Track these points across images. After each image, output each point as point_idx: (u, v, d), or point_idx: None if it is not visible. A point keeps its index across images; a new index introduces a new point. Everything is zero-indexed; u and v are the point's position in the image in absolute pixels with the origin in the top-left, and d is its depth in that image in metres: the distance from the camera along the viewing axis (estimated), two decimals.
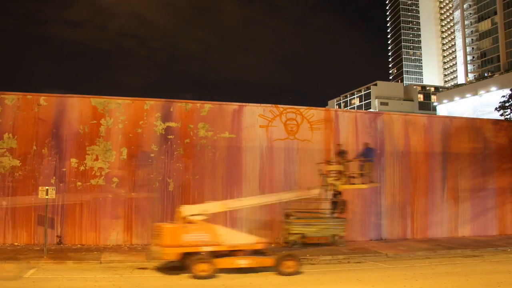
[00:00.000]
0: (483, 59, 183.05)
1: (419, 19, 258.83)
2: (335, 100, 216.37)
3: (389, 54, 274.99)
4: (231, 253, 22.32)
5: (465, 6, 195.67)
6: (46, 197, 25.16)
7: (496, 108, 46.65)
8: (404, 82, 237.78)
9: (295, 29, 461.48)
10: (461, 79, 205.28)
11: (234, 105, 32.95)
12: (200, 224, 22.34)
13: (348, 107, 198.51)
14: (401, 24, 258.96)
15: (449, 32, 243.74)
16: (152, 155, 30.99)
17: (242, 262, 22.13)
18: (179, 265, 21.71)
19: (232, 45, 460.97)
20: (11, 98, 29.72)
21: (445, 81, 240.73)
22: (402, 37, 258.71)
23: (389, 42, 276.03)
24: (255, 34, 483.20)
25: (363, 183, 29.25)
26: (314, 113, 34.27)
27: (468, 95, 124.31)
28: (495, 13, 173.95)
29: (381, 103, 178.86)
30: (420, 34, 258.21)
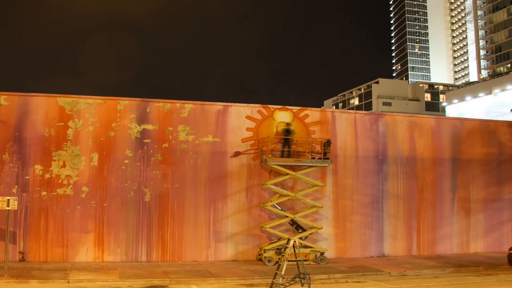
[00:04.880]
0: (498, 53, 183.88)
1: (426, 9, 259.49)
2: (331, 99, 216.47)
3: (393, 48, 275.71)
4: None
5: None
6: (7, 208, 25.23)
7: None
8: (409, 79, 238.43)
9: (286, 19, 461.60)
10: (473, 77, 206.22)
11: (219, 105, 33.12)
12: None
13: (346, 108, 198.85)
14: (406, 15, 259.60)
15: (460, 24, 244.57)
16: (126, 161, 31.14)
17: None
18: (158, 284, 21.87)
19: (221, 39, 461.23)
20: None
21: (455, 79, 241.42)
22: (407, 29, 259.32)
23: (392, 35, 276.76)
24: (245, 26, 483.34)
25: None
26: (309, 114, 34.52)
27: (481, 95, 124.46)
28: (511, 3, 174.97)
29: (384, 103, 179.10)
30: (427, 26, 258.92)
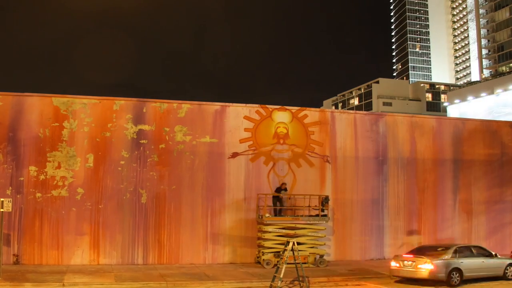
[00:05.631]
0: (500, 53, 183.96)
1: (427, 8, 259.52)
2: (331, 100, 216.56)
3: (393, 47, 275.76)
4: None
5: None
6: (1, 210, 25.21)
7: None
8: (410, 79, 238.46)
9: (284, 17, 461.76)
10: (475, 76, 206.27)
11: (216, 105, 33.14)
12: None
13: (346, 108, 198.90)
14: (407, 13, 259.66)
15: (462, 23, 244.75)
16: (122, 162, 31.14)
17: None
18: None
19: (218, 38, 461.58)
20: None
21: (457, 79, 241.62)
22: (408, 28, 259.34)
23: (392, 33, 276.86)
24: (243, 24, 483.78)
25: None
26: (308, 114, 34.55)
27: (483, 94, 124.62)
28: None
29: (384, 103, 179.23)
30: (428, 25, 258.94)
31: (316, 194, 33.00)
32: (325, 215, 32.40)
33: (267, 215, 31.57)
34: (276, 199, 32.68)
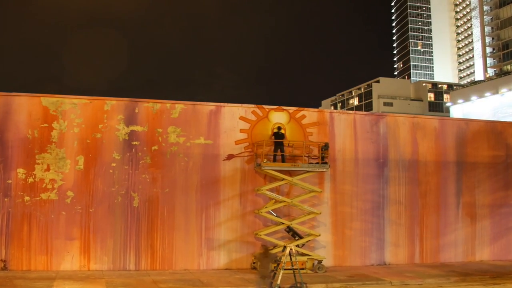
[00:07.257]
0: (505, 51, 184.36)
1: (429, 4, 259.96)
2: (329, 100, 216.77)
3: (394, 45, 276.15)
4: None
5: None
6: None
7: None
8: (412, 78, 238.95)
9: (283, 14, 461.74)
10: (479, 75, 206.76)
11: (211, 106, 33.09)
12: None
13: (345, 108, 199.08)
14: (408, 10, 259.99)
15: (465, 20, 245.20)
16: (114, 164, 31.07)
17: None
18: None
19: (214, 37, 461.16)
20: None
21: (460, 78, 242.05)
22: (410, 25, 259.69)
23: (394, 31, 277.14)
24: (241, 23, 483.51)
25: None
26: (306, 114, 34.50)
27: (487, 94, 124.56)
28: None
29: (385, 104, 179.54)
30: (430, 22, 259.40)
31: (316, 142, 33.32)
32: (325, 163, 32.54)
33: (265, 160, 31.66)
34: (277, 145, 32.63)
